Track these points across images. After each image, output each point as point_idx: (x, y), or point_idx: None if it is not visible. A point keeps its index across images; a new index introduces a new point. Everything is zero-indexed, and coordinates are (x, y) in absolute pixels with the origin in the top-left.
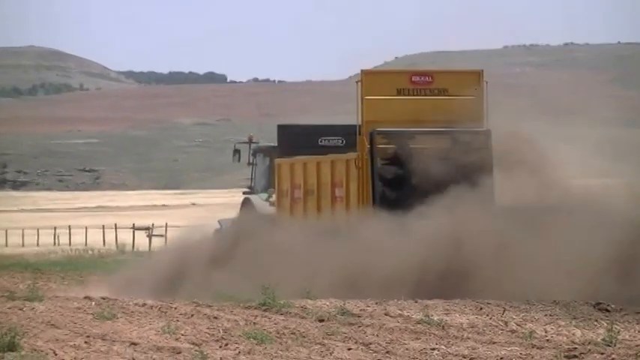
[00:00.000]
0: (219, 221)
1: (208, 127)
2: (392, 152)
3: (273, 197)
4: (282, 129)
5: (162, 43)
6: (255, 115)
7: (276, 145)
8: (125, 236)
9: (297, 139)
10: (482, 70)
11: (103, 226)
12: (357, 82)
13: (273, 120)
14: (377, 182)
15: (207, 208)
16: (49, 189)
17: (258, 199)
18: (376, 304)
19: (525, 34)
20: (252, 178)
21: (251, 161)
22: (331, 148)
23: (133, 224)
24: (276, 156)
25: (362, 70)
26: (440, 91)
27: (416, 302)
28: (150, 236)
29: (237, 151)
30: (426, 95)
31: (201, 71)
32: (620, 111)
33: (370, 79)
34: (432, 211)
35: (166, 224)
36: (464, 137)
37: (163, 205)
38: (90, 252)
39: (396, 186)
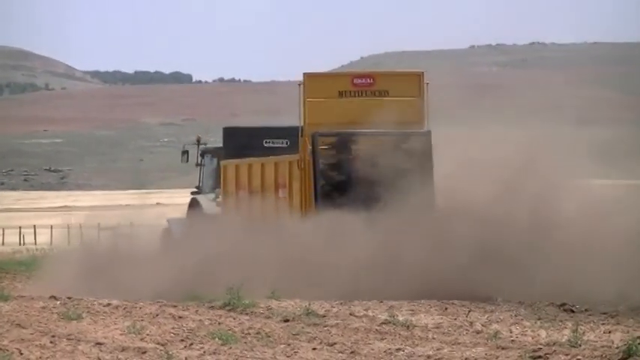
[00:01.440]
0: (167, 220)
1: (174, 127)
2: (333, 153)
3: (220, 197)
4: (228, 131)
5: (128, 42)
6: (221, 115)
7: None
8: (91, 236)
9: (242, 141)
10: (423, 72)
11: (68, 225)
12: (299, 85)
13: (239, 120)
14: (319, 183)
15: (172, 207)
16: (14, 189)
17: (205, 200)
18: (341, 304)
19: (492, 34)
20: (200, 179)
21: (199, 162)
22: (276, 149)
23: (99, 224)
24: (223, 157)
25: (304, 73)
26: (381, 93)
27: (381, 302)
28: (116, 236)
29: (185, 152)
30: (367, 97)
31: (167, 71)
32: (587, 110)
33: (312, 81)
34: (372, 212)
35: (131, 224)
36: (405, 138)
37: (128, 205)
38: (54, 251)
39: (338, 187)
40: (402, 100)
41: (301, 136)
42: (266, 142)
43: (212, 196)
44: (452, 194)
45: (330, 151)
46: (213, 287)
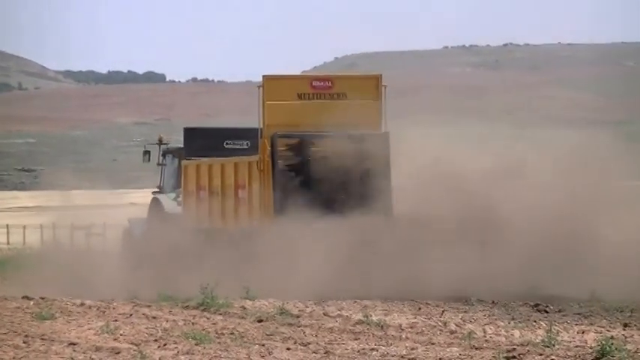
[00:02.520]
0: (128, 220)
1: (147, 126)
2: (292, 155)
3: (181, 197)
4: (189, 132)
5: (101, 42)
6: (195, 115)
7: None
8: (64, 236)
9: (203, 142)
10: (381, 75)
11: (41, 225)
12: (258, 87)
13: (213, 120)
14: (278, 184)
15: (146, 207)
16: None
17: (166, 199)
18: (315, 304)
19: (465, 35)
20: (161, 179)
21: (160, 162)
22: (236, 150)
23: (72, 223)
24: (184, 157)
25: (263, 76)
26: (339, 96)
27: (355, 302)
28: (88, 235)
29: (147, 152)
30: (325, 100)
31: (141, 71)
32: (560, 111)
33: (272, 84)
34: (329, 213)
35: (105, 223)
36: (363, 140)
37: (102, 205)
38: (28, 251)
39: (296, 187)
40: (359, 103)
41: (261, 137)
42: (227, 143)
43: (173, 195)
44: (411, 196)
45: (288, 152)
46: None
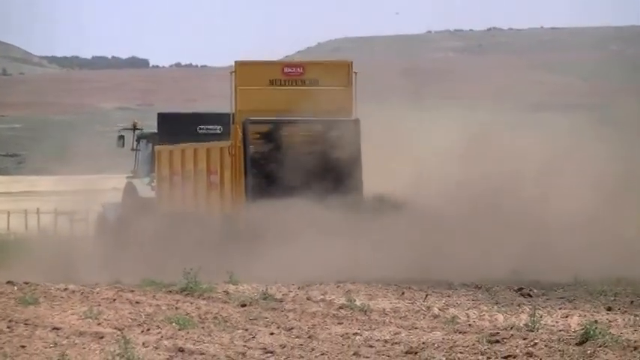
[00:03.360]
0: (102, 205)
1: (130, 111)
2: (264, 141)
3: (155, 182)
4: (162, 117)
5: (85, 27)
6: (178, 100)
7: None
8: (48, 221)
9: (176, 127)
10: (352, 62)
11: (26, 210)
12: (230, 73)
13: (197, 105)
14: (249, 169)
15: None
16: None
17: (140, 184)
18: (298, 288)
19: (449, 19)
20: (135, 163)
21: (135, 147)
22: (210, 136)
23: (55, 209)
24: (158, 142)
25: (236, 62)
26: (311, 82)
27: (338, 287)
28: (72, 220)
29: (121, 137)
30: (297, 86)
31: (124, 56)
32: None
33: (244, 69)
34: (300, 198)
35: (88, 208)
36: (333, 126)
37: (86, 190)
38: (12, 236)
39: (268, 173)
40: (331, 89)
41: (232, 123)
42: (200, 129)
43: (147, 180)
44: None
45: (260, 138)
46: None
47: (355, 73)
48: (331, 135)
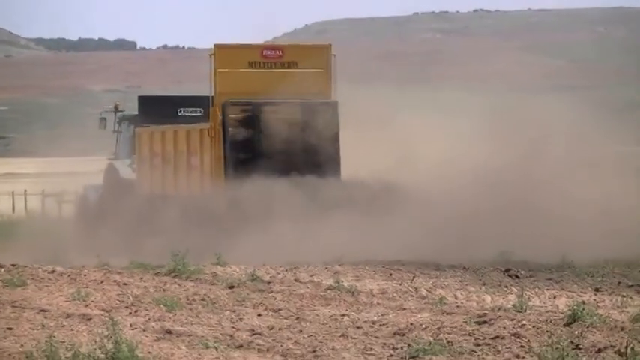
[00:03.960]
0: (83, 187)
1: (118, 93)
2: (243, 123)
3: (136, 164)
4: (143, 99)
5: (72, 9)
6: (166, 82)
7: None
8: (35, 203)
9: (157, 110)
10: (331, 45)
11: (13, 192)
12: (210, 56)
13: (184, 87)
14: (228, 151)
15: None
16: None
17: (121, 165)
18: (286, 270)
19: (435, 1)
20: (117, 145)
21: (116, 129)
22: (190, 118)
23: (43, 190)
24: (139, 125)
25: (215, 45)
26: (289, 65)
27: (326, 268)
28: (60, 202)
29: (103, 119)
30: (276, 68)
31: (111, 38)
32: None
33: (223, 52)
34: (279, 179)
35: (76, 190)
36: (312, 108)
37: (73, 172)
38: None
39: (247, 154)
40: (309, 72)
41: (212, 105)
42: (180, 111)
43: (128, 162)
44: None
45: (239, 120)
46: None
47: (334, 55)
48: (309, 117)
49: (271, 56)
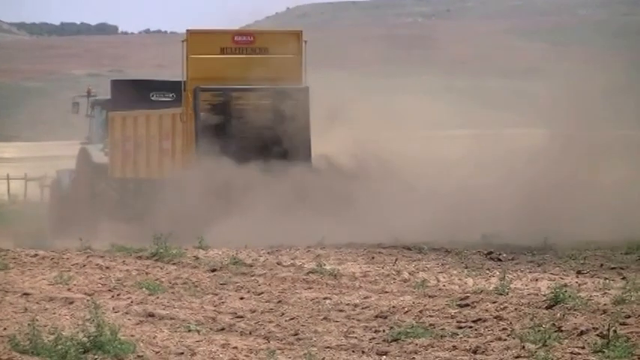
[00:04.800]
0: (57, 171)
1: (100, 78)
2: (214, 108)
3: (108, 148)
4: (115, 84)
5: None
6: (148, 66)
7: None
8: (18, 187)
9: (129, 94)
10: (302, 31)
11: None
12: (182, 42)
13: (166, 71)
14: (200, 136)
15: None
16: None
17: (94, 149)
18: (268, 253)
19: None
20: (89, 130)
21: (89, 113)
22: (162, 102)
23: (25, 174)
24: (111, 109)
25: (187, 30)
26: (261, 51)
27: (308, 251)
28: (42, 186)
29: (76, 104)
30: (247, 54)
31: (93, 22)
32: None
33: (195, 38)
34: (251, 164)
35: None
36: (283, 94)
37: (56, 156)
38: None
39: (218, 139)
40: (280, 58)
41: (184, 90)
42: (153, 95)
43: (101, 146)
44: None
45: (211, 105)
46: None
47: (305, 41)
48: (280, 102)
49: (243, 42)
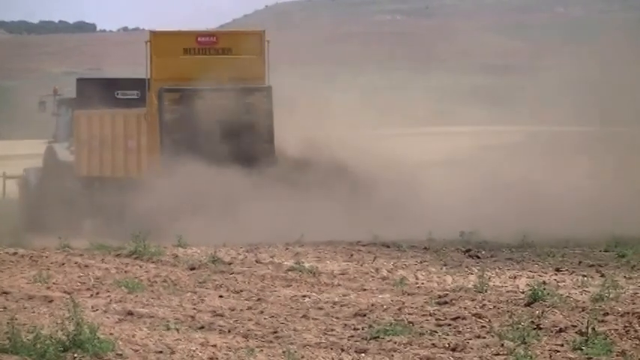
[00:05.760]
0: (24, 170)
1: (79, 76)
2: (178, 108)
3: (74, 146)
4: (81, 82)
5: None
6: (126, 63)
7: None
8: None
9: (94, 93)
10: (264, 31)
11: None
12: (146, 43)
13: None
14: (164, 136)
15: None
16: None
17: (60, 148)
18: (247, 251)
19: None
20: (56, 128)
21: (55, 112)
22: (127, 101)
23: (4, 173)
24: (77, 108)
25: (150, 31)
26: (224, 51)
27: (287, 249)
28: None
29: (42, 103)
30: (211, 55)
31: (71, 20)
32: (492, 58)
33: (159, 39)
34: (215, 163)
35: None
36: (246, 94)
37: (35, 154)
38: None
39: (182, 139)
40: (243, 58)
41: (148, 91)
42: (118, 94)
43: (67, 144)
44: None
45: (174, 106)
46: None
47: (268, 41)
48: (244, 102)
49: (206, 43)
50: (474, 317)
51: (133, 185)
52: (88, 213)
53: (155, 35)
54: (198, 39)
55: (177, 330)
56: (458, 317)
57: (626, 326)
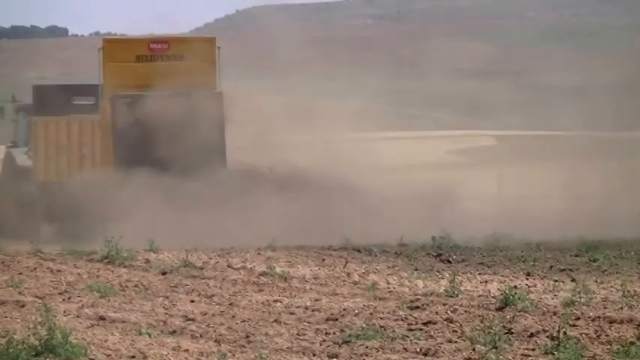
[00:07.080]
0: None
1: (51, 81)
2: (130, 115)
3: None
4: (37, 89)
5: None
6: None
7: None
8: None
9: (51, 99)
10: (215, 37)
11: None
12: (98, 50)
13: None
14: (117, 142)
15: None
16: None
17: (18, 153)
18: (219, 256)
19: None
20: (15, 134)
21: (14, 118)
22: (84, 107)
23: None
24: (34, 114)
25: (103, 39)
26: (176, 58)
27: (259, 254)
28: None
29: (1, 109)
30: (162, 61)
31: (43, 25)
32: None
33: (111, 46)
34: (166, 168)
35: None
36: (198, 100)
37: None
38: None
39: (135, 145)
40: (195, 64)
41: (101, 97)
42: (74, 100)
43: (25, 149)
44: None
45: (126, 112)
46: None
47: (219, 48)
48: (195, 108)
49: (158, 49)
50: (445, 322)
51: (88, 189)
52: (46, 217)
53: (107, 42)
54: (150, 46)
55: (150, 335)
56: (429, 322)
57: (597, 331)
